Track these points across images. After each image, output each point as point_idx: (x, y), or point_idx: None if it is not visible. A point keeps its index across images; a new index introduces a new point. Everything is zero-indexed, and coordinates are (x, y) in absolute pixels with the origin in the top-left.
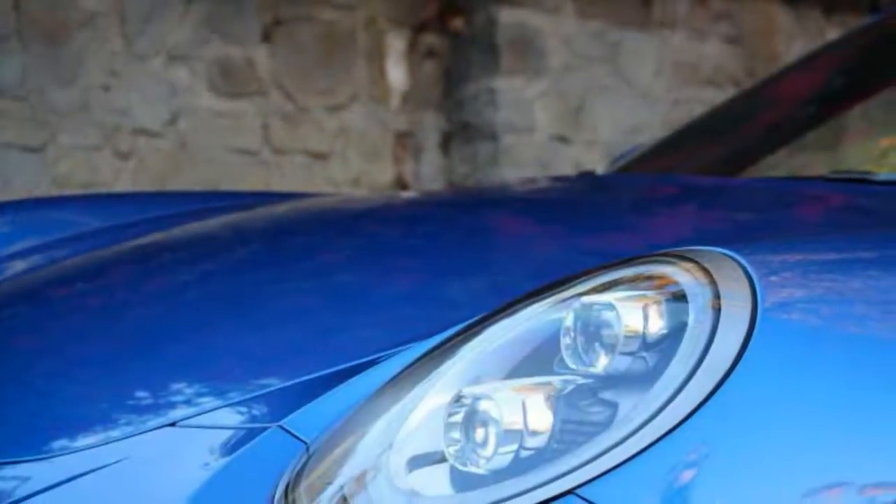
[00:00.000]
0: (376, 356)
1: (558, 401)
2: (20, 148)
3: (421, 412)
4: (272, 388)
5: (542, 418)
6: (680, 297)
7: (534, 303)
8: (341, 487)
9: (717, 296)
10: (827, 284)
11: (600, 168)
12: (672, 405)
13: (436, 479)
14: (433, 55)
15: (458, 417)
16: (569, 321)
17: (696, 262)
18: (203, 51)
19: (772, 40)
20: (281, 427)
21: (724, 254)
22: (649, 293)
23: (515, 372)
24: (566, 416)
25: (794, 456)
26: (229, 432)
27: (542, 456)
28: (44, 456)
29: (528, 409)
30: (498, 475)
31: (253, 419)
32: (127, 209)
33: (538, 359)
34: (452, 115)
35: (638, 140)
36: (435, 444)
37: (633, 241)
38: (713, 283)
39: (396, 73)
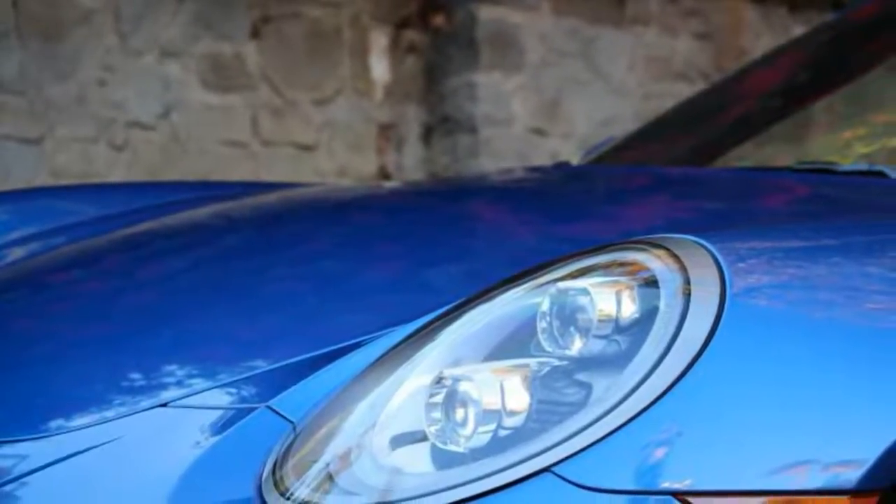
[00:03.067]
0: (360, 339)
1: (535, 382)
2: (19, 140)
3: (403, 393)
4: (260, 370)
5: (519, 399)
6: (652, 283)
7: (511, 288)
8: (327, 465)
9: (687, 282)
10: (792, 271)
11: (575, 159)
12: (644, 386)
13: (417, 457)
14: (415, 51)
15: (439, 398)
16: (545, 306)
17: (667, 250)
18: (194, 47)
19: (740, 36)
20: (269, 407)
21: (694, 241)
22: (622, 279)
23: (494, 354)
24: (542, 396)
25: (760, 435)
26: (219, 412)
27: (520, 435)
28: (41, 435)
29: (505, 390)
30: (477, 453)
31: (242, 400)
32: (121, 199)
33: (515, 342)
34: (434, 108)
35: (611, 132)
36: (417, 424)
37: (607, 229)
38: (684, 269)
39: (380, 68)
